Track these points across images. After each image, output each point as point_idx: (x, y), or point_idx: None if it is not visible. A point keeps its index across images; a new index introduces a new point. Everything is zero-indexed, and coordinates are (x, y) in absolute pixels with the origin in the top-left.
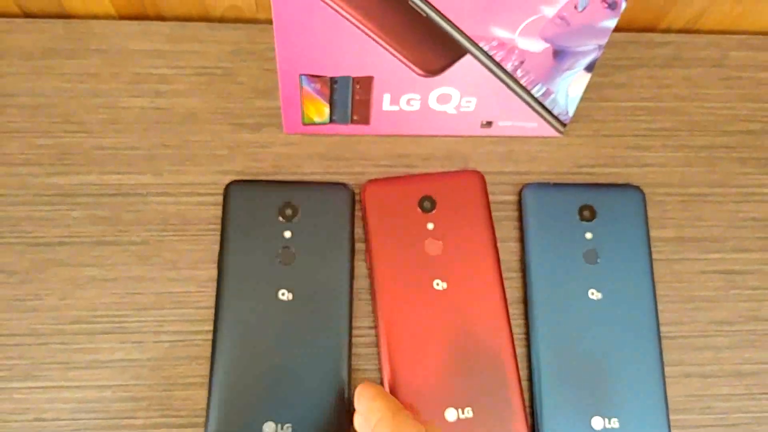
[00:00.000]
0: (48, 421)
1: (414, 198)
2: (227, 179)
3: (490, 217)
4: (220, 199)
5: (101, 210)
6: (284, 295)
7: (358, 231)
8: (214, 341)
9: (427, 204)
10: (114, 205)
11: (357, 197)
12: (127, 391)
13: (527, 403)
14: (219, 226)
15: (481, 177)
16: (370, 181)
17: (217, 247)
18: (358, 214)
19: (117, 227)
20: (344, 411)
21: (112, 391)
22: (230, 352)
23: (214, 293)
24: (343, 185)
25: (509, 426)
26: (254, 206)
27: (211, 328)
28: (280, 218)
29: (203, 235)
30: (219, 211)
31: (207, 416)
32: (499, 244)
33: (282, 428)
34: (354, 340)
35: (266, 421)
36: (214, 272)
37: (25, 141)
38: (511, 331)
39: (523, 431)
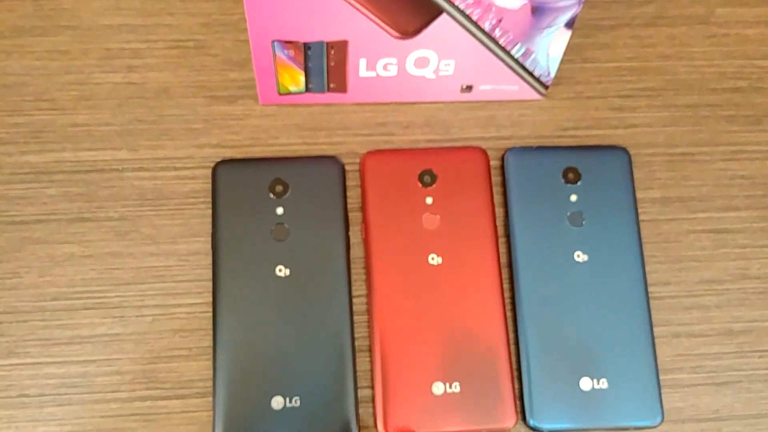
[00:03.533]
0: (32, 397)
1: (414, 171)
2: (204, 153)
3: (491, 195)
4: (197, 172)
5: (77, 187)
6: (281, 271)
7: (350, 202)
8: (214, 321)
9: (428, 178)
10: (90, 181)
11: (346, 168)
12: (110, 365)
13: (515, 366)
14: (197, 200)
15: (484, 154)
16: (370, 152)
17: (196, 221)
18: (348, 185)
19: (94, 204)
20: (351, 381)
21: (95, 366)
22: (233, 331)
23: (194, 266)
24: (333, 158)
25: (496, 404)
26: (244, 185)
27: (193, 301)
28: (271, 195)
29: (181, 209)
30: (197, 185)
31: (214, 394)
32: None
33: (291, 401)
34: None
35: (274, 395)
36: (194, 246)
37: None
38: (504, 309)
39: (510, 409)
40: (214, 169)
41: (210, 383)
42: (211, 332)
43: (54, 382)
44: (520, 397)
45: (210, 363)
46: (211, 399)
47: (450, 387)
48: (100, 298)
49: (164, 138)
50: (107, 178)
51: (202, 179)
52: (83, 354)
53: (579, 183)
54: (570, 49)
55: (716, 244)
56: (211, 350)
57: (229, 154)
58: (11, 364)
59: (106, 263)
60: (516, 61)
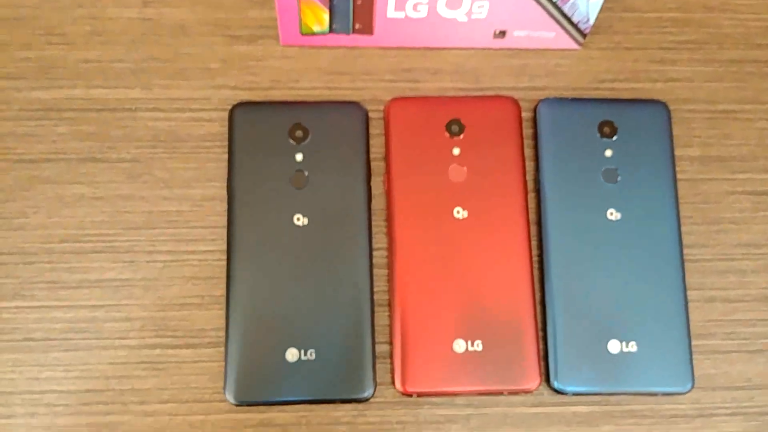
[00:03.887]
0: (37, 341)
1: (442, 120)
2: (221, 94)
3: (522, 148)
4: (213, 115)
5: (88, 126)
6: (299, 220)
7: (373, 151)
8: (228, 269)
9: (455, 128)
10: (101, 120)
11: (370, 116)
12: (119, 311)
13: (540, 326)
14: (213, 144)
15: (515, 104)
16: (396, 98)
17: (211, 165)
18: (371, 133)
19: (105, 144)
20: (368, 336)
21: (104, 311)
22: (248, 280)
23: (208, 212)
24: (356, 104)
25: (519, 364)
26: (262, 129)
27: (207, 248)
28: (291, 141)
29: (196, 152)
30: (212, 128)
31: (226, 344)
32: None
33: (305, 354)
34: None
35: (289, 347)
36: (208, 191)
37: (6, 54)
38: (531, 266)
39: (533, 371)
40: (232, 112)
41: (222, 333)
42: (224, 281)
43: (60, 327)
44: (545, 358)
45: (223, 312)
46: (222, 349)
47: (472, 345)
48: (110, 241)
49: (180, 78)
50: (120, 118)
51: (219, 122)
52: (91, 299)
53: (615, 138)
54: None
55: (756, 206)
56: (224, 299)
57: (247, 96)
58: (17, 307)
59: (117, 206)
60: (554, 4)
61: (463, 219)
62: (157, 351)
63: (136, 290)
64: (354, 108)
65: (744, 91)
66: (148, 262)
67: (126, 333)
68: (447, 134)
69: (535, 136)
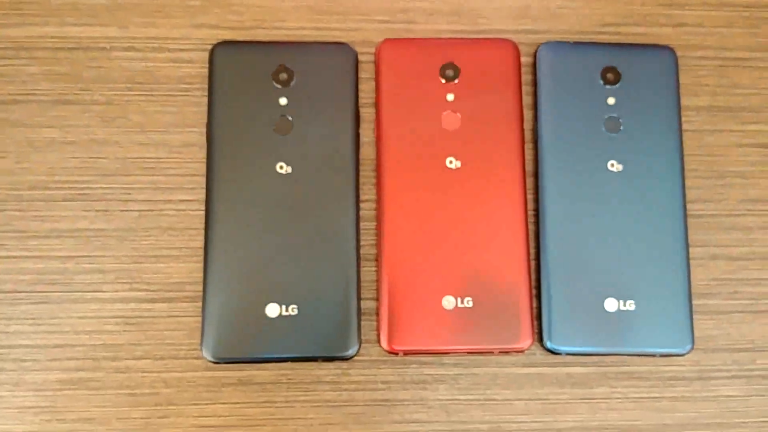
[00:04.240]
0: (5, 293)
1: (435, 64)
2: (201, 34)
3: (520, 95)
4: (193, 55)
5: (60, 66)
6: (282, 168)
7: (362, 96)
8: (207, 220)
9: (450, 72)
10: (74, 60)
11: (360, 59)
12: (91, 263)
13: (534, 284)
14: (192, 86)
15: (514, 48)
16: (387, 40)
17: (190, 110)
18: (361, 77)
19: (78, 85)
20: (354, 291)
21: (75, 263)
22: (227, 232)
23: (187, 160)
24: (345, 45)
25: (510, 322)
26: (244, 71)
27: (185, 197)
28: (275, 83)
29: (174, 95)
30: (192, 70)
31: (204, 298)
32: None
33: (287, 309)
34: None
35: (269, 302)
36: (187, 137)
37: None
38: (526, 220)
39: (526, 329)
40: (212, 52)
41: (200, 287)
42: (203, 232)
43: (29, 278)
44: (538, 317)
45: (201, 265)
46: (200, 304)
47: (462, 302)
48: (82, 189)
49: (158, 15)
50: (93, 58)
51: (199, 63)
52: (62, 249)
53: (618, 84)
54: None
55: (765, 159)
56: (202, 251)
57: (230, 36)
58: None
59: (90, 151)
60: None
61: (456, 169)
62: (131, 305)
63: (109, 241)
64: (343, 49)
65: (757, 38)
66: (122, 211)
67: (98, 286)
68: (441, 79)
69: (535, 83)
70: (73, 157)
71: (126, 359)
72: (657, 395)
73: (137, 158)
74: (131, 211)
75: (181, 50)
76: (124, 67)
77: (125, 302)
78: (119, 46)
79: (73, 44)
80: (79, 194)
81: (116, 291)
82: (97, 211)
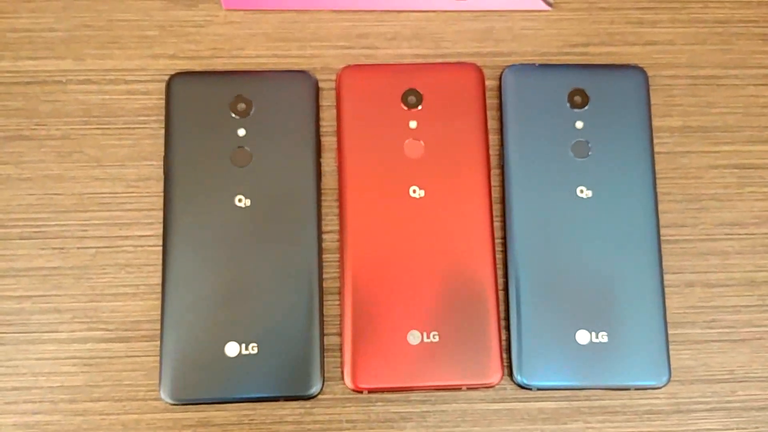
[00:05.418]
0: None
1: (397, 90)
2: (158, 64)
3: (485, 120)
4: (150, 87)
5: (15, 100)
6: (241, 201)
7: (323, 125)
8: (164, 256)
9: (412, 98)
10: (29, 94)
11: (320, 86)
12: (48, 302)
13: (503, 315)
14: (149, 119)
15: (478, 72)
16: (348, 66)
17: (147, 142)
18: (322, 105)
19: (33, 120)
20: (316, 327)
21: (31, 302)
22: (185, 268)
23: (144, 194)
24: (304, 73)
25: (479, 357)
26: (201, 102)
27: (142, 233)
28: (232, 114)
29: (131, 128)
30: (149, 102)
31: (161, 339)
32: None
33: (247, 348)
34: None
35: (229, 341)
36: (144, 170)
37: None
38: (494, 250)
39: (495, 363)
40: (169, 83)
41: (158, 325)
42: (160, 268)
43: None
44: (507, 351)
45: (158, 303)
46: (158, 343)
47: (428, 337)
48: (38, 226)
49: (114, 46)
50: (49, 92)
51: (156, 94)
52: (18, 289)
53: (586, 107)
54: None
55: (741, 181)
56: (159, 289)
57: (187, 66)
58: None
59: (46, 187)
60: None
61: (420, 198)
62: (89, 345)
63: (66, 279)
64: (302, 77)
65: (730, 54)
66: (78, 248)
67: (55, 326)
68: (403, 105)
69: (500, 107)
70: (29, 194)
71: (84, 401)
72: (633, 430)
73: (93, 193)
74: (88, 248)
75: (138, 81)
76: (80, 100)
77: (82, 342)
78: (75, 79)
79: (28, 78)
80: (36, 232)
81: (73, 331)
82: (53, 248)
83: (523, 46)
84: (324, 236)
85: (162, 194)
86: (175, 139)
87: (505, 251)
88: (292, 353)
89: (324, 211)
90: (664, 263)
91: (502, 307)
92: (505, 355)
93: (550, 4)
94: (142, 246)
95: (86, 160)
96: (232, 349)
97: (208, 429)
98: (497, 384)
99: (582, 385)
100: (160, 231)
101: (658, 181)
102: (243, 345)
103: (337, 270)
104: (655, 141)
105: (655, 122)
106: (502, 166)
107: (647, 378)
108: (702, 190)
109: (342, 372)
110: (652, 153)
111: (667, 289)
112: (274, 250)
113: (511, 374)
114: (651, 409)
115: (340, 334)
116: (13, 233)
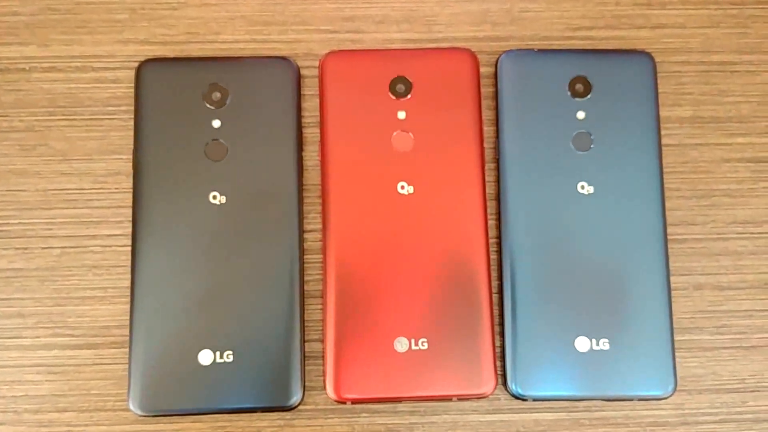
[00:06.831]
0: None
1: (385, 78)
2: (128, 50)
3: (479, 110)
4: (120, 75)
5: None
6: (216, 198)
7: (306, 116)
8: (134, 257)
9: (401, 87)
10: None
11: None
12: (10, 306)
13: (497, 321)
14: (119, 109)
15: (473, 58)
16: (332, 52)
17: (117, 135)
18: (305, 94)
19: None
20: (296, 333)
21: None
22: (156, 269)
23: (112, 190)
24: (285, 59)
25: (471, 365)
26: (173, 91)
27: (110, 232)
28: (207, 104)
29: (99, 119)
30: (119, 91)
31: (131, 344)
32: None
33: (222, 356)
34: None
35: (202, 348)
36: (113, 165)
37: None
38: (488, 251)
39: (488, 373)
40: (138, 70)
41: (127, 331)
42: (130, 270)
43: None
44: (501, 358)
45: (128, 307)
46: (127, 350)
47: (416, 344)
48: (0, 225)
49: (81, 31)
50: (12, 80)
51: (126, 83)
52: None
53: (589, 96)
54: None
55: (756, 176)
56: (129, 292)
57: (160, 52)
58: None
59: (8, 183)
60: None
61: (409, 195)
62: (54, 352)
63: (30, 282)
64: (283, 64)
65: (745, 39)
66: (43, 248)
67: (19, 331)
68: (391, 95)
69: (496, 96)
70: None
71: (49, 412)
72: None
73: (59, 190)
74: (53, 248)
75: (107, 69)
76: (44, 89)
77: (47, 349)
78: (39, 67)
79: None
80: None
81: (38, 337)
82: (16, 249)
83: (521, 30)
84: (306, 236)
85: (132, 191)
86: (145, 131)
87: (499, 252)
88: (270, 361)
89: (306, 208)
90: (671, 264)
91: (496, 312)
92: (499, 363)
93: None
94: (110, 246)
95: (51, 153)
96: (206, 357)
97: None
98: (490, 394)
99: (581, 395)
100: (130, 230)
101: (665, 176)
102: (218, 353)
103: (320, 272)
104: (663, 132)
105: (663, 112)
106: (497, 160)
107: (651, 388)
108: (713, 185)
109: (324, 381)
110: (660, 146)
111: (674, 292)
112: (251, 251)
113: (505, 384)
114: (655, 420)
115: (322, 341)
116: None
